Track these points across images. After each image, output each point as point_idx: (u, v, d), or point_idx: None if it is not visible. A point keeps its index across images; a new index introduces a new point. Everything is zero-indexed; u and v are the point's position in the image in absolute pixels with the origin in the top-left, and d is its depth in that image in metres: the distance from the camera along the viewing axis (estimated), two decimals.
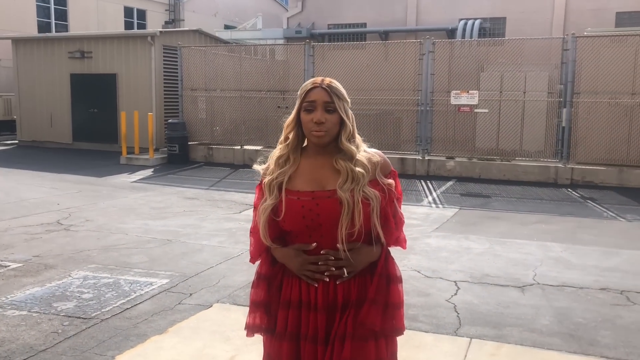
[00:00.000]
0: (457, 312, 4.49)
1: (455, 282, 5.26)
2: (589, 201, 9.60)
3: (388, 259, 1.96)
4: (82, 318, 4.29)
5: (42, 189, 10.28)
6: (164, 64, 15.56)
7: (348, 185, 1.84)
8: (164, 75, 15.57)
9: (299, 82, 13.48)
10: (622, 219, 8.24)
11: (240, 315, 4.19)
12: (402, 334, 1.95)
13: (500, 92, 12.13)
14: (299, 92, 1.98)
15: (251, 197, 10.29)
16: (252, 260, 2.03)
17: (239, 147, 14.12)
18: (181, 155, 14.11)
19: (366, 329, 1.84)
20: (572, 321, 4.32)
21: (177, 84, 14.76)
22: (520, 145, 12.12)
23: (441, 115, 12.43)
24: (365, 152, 1.96)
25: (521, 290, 5.03)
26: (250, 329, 1.97)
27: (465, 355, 3.69)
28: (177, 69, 14.73)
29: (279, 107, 13.84)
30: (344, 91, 1.96)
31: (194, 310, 4.45)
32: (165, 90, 15.65)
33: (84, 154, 15.74)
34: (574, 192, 10.38)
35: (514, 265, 5.81)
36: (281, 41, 21.07)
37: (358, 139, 1.96)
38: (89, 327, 4.11)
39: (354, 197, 1.83)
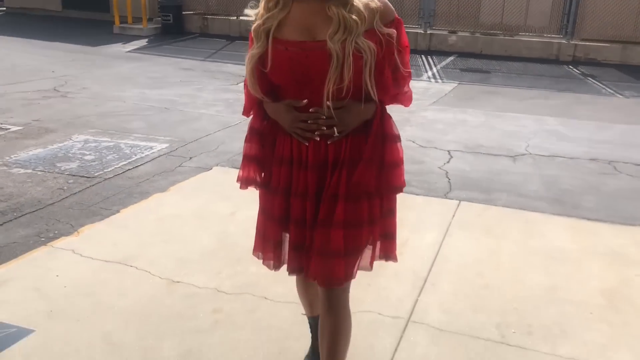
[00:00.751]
0: (448, 178, 4.64)
1: (448, 151, 5.38)
2: (589, 78, 9.52)
3: (384, 118, 1.79)
4: (86, 177, 4.42)
5: (35, 57, 10.10)
6: None
7: (339, 36, 1.61)
8: None
9: None
10: (619, 96, 8.24)
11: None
12: (401, 191, 1.85)
13: None
14: None
15: None
16: (245, 113, 1.91)
17: (235, 17, 13.67)
18: (175, 25, 13.68)
19: (360, 189, 1.74)
20: (559, 187, 4.49)
21: None
22: (525, 20, 11.77)
23: None
24: None
25: (513, 160, 5.16)
26: (244, 182, 1.91)
27: (454, 215, 3.87)
28: None
29: None
30: None
31: (194, 172, 4.59)
32: None
33: (75, 23, 15.25)
34: (575, 69, 10.27)
35: (508, 137, 5.91)
36: None
37: None
38: (93, 185, 4.26)
39: (345, 49, 1.61)
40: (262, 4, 1.74)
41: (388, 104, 1.82)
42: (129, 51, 11.35)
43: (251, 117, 1.90)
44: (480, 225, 3.73)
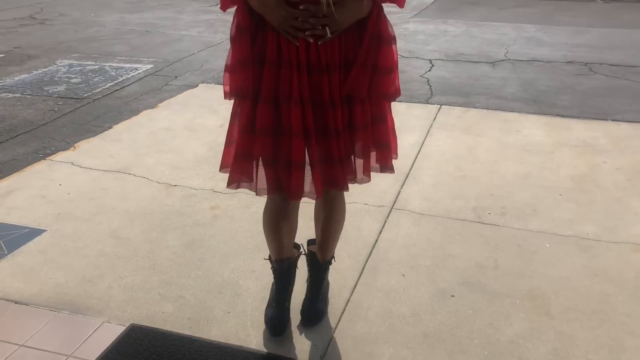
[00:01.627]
0: (429, 85, 4.77)
1: (430, 60, 5.47)
2: None
3: (380, 16, 1.63)
4: (75, 98, 4.50)
5: None
6: None
7: None
8: None
9: None
10: (599, 1, 8.26)
11: None
12: (395, 99, 1.74)
13: None
14: None
15: None
16: (223, 7, 1.68)
17: None
18: None
19: (353, 95, 1.63)
20: (536, 89, 4.64)
21: None
22: None
23: None
24: None
25: (492, 66, 5.29)
26: (235, 93, 1.67)
27: (435, 118, 4.03)
28: None
29: None
30: None
31: (180, 90, 4.67)
32: None
33: None
34: None
35: (487, 44, 6.00)
36: None
37: None
38: (82, 106, 4.35)
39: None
40: None
41: (384, 2, 1.65)
42: None
43: (235, 14, 1.67)
44: (460, 125, 3.91)
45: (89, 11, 7.93)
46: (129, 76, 5.06)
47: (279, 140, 1.64)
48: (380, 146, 1.76)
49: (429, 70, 5.16)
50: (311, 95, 1.60)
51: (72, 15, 7.61)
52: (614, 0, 8.27)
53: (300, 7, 1.52)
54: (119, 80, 4.95)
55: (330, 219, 1.96)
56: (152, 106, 4.30)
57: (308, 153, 1.65)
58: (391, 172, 1.82)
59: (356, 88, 1.63)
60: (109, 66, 5.36)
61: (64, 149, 3.53)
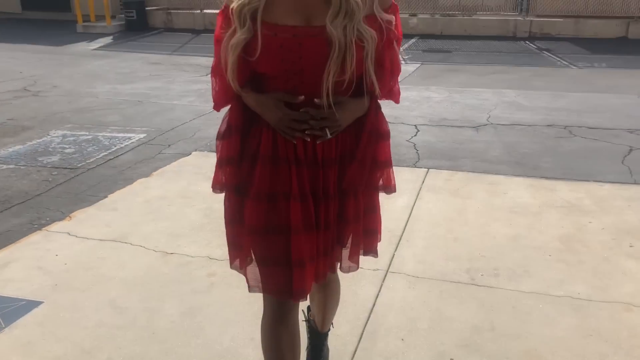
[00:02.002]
0: (416, 149, 4.92)
1: (415, 125, 5.65)
2: (544, 52, 9.93)
3: (378, 114, 1.63)
4: (69, 168, 4.57)
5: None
6: None
7: (340, 20, 1.42)
8: None
9: None
10: (574, 67, 8.65)
11: None
12: (390, 193, 1.75)
13: None
14: None
15: None
16: (217, 107, 1.65)
17: (198, 11, 13.74)
18: (139, 21, 13.70)
19: (350, 189, 1.62)
20: (519, 152, 4.80)
21: None
22: (481, 0, 12.15)
23: None
24: None
25: (475, 130, 5.47)
26: (222, 187, 1.66)
27: (423, 181, 4.14)
28: None
29: None
30: None
31: (174, 158, 4.76)
32: None
33: (36, 24, 15.10)
34: (531, 44, 10.67)
35: (470, 109, 6.22)
36: None
37: None
38: (77, 175, 4.40)
39: (347, 36, 1.42)
40: None
41: (382, 99, 1.65)
42: (94, 49, 11.36)
43: (227, 112, 1.64)
44: (448, 188, 4.01)
45: (82, 82, 8.12)
46: (122, 145, 5.16)
47: (275, 238, 1.57)
48: (369, 234, 1.75)
49: (415, 135, 5.32)
50: (310, 190, 1.57)
51: (65, 87, 7.78)
52: (587, 67, 8.66)
53: (301, 110, 1.50)
54: (113, 149, 5.04)
55: (326, 299, 1.98)
56: (147, 175, 4.37)
57: (303, 248, 1.58)
58: (374, 257, 1.81)
59: (353, 183, 1.61)
60: (103, 136, 5.47)
61: (60, 219, 3.56)
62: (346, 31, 1.42)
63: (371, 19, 1.46)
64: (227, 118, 1.62)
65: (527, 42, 10.90)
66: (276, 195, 1.55)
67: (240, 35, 1.45)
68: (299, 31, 1.45)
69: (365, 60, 1.46)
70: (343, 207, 1.63)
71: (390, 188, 1.74)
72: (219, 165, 1.64)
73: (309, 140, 1.53)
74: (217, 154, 1.65)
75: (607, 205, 3.69)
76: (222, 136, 1.63)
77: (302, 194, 1.55)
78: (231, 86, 1.52)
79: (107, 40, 12.57)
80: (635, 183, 4.07)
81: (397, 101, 1.70)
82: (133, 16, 13.62)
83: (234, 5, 1.47)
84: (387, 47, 1.51)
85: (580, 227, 3.38)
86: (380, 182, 1.72)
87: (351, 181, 1.61)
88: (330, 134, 1.53)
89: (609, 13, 11.12)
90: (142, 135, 5.45)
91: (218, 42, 1.55)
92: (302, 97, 1.49)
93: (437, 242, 3.20)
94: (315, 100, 1.48)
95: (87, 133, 5.57)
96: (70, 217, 3.58)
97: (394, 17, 1.52)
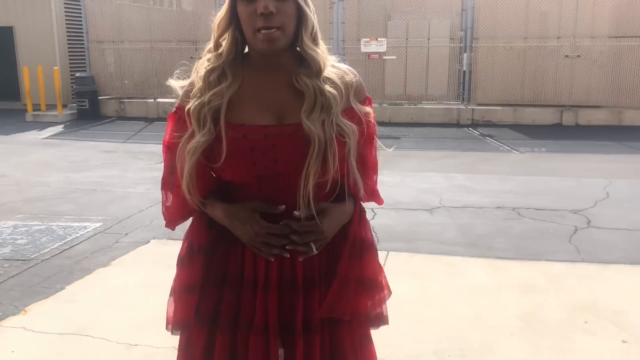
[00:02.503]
0: (375, 232, 5.03)
1: (372, 209, 5.80)
2: (487, 138, 10.50)
3: (362, 220, 1.46)
4: (22, 260, 4.43)
5: None
6: (66, 15, 14.88)
7: (317, 115, 1.28)
8: (67, 27, 14.91)
9: (211, 33, 13.45)
10: (515, 152, 9.16)
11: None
12: (379, 326, 1.53)
13: (407, 39, 12.73)
14: None
15: None
16: (171, 225, 1.47)
17: (152, 100, 13.94)
18: (91, 110, 13.74)
19: (336, 316, 1.38)
20: (473, 233, 4.99)
21: (82, 36, 14.22)
22: (426, 90, 12.86)
23: (352, 63, 12.85)
24: (333, 66, 1.38)
25: (430, 213, 5.66)
26: (180, 325, 1.44)
27: (384, 264, 4.21)
28: (80, 21, 14.17)
29: (191, 57, 13.72)
30: None
31: (132, 247, 4.70)
32: (69, 43, 15.02)
33: None
34: (474, 131, 11.28)
35: (423, 193, 6.45)
36: None
37: (322, 44, 1.37)
38: (30, 267, 4.27)
39: (326, 131, 1.27)
40: (197, 77, 1.36)
41: (366, 201, 1.49)
42: (45, 138, 11.26)
43: (187, 231, 1.45)
44: (408, 270, 4.10)
45: (33, 171, 7.99)
46: (77, 235, 5.06)
47: None
48: None
49: (372, 219, 5.45)
50: (280, 321, 1.33)
51: (14, 177, 7.64)
52: (528, 151, 9.20)
53: (280, 223, 1.31)
54: (68, 239, 4.93)
55: None
56: (105, 264, 4.28)
57: None
58: None
59: (338, 308, 1.36)
60: (57, 226, 5.35)
61: (14, 314, 3.43)
62: (325, 126, 1.27)
63: (349, 112, 1.34)
64: (188, 238, 1.42)
65: (470, 128, 11.52)
66: (239, 326, 1.34)
67: (199, 138, 1.28)
68: (271, 131, 1.29)
69: (348, 157, 1.31)
70: (333, 341, 1.38)
71: (381, 319, 1.49)
72: (178, 297, 1.40)
73: (288, 256, 1.31)
74: (173, 283, 1.43)
75: (559, 283, 3.85)
76: (182, 261, 1.42)
77: (267, 327, 1.31)
78: (188, 199, 1.33)
79: (58, 128, 12.50)
80: (583, 261, 4.28)
81: (380, 202, 1.55)
82: (85, 105, 13.67)
83: (190, 105, 1.31)
84: (368, 142, 1.39)
85: (537, 305, 3.50)
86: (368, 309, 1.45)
87: (333, 304, 1.35)
88: (316, 249, 1.33)
89: (543, 102, 11.95)
90: (98, 224, 5.37)
91: (169, 149, 1.36)
92: (282, 207, 1.30)
93: (402, 324, 3.24)
94: (295, 212, 1.29)
95: (39, 223, 5.45)
96: (25, 310, 3.45)
97: (371, 109, 1.41)
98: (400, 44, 12.65)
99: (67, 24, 14.85)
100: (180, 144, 1.33)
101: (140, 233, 5.10)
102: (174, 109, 1.40)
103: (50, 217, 5.64)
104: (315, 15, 1.34)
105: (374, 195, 1.54)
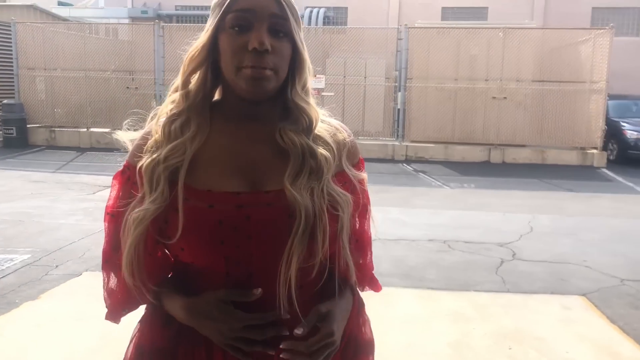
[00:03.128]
0: None
1: None
2: (420, 173, 10.88)
3: (361, 314, 1.23)
4: None
5: None
6: None
7: (305, 181, 1.02)
8: None
9: (148, 63, 13.44)
10: (447, 187, 9.54)
11: None
12: None
13: (344, 77, 13.11)
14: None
15: (105, 179, 10.16)
16: (114, 317, 1.16)
17: (85, 129, 13.62)
18: (19, 138, 13.26)
19: None
20: (406, 265, 5.15)
21: (10, 62, 13.79)
22: (362, 126, 13.21)
23: None
24: (322, 121, 1.14)
25: None
26: None
27: None
28: (9, 46, 13.75)
29: (127, 87, 13.62)
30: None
31: (63, 280, 4.56)
32: None
33: None
34: (408, 167, 11.67)
35: None
36: (126, 20, 20.40)
37: (312, 94, 1.15)
38: None
39: (315, 202, 1.01)
40: (155, 126, 1.08)
41: (362, 289, 1.28)
42: None
43: (136, 329, 1.16)
44: None
45: None
46: (3, 267, 4.85)
47: None
48: None
49: None
50: None
51: None
52: (459, 187, 9.59)
53: (262, 316, 1.01)
54: None
55: None
56: (34, 297, 4.13)
57: None
58: None
59: None
60: None
61: None
62: (314, 195, 1.00)
63: (341, 177, 1.09)
64: (136, 338, 1.13)
65: (404, 164, 11.90)
66: None
67: (149, 205, 1.00)
68: (245, 199, 1.01)
69: (340, 234, 1.04)
70: None
71: None
72: None
73: (273, 353, 1.02)
74: None
75: (485, 312, 4.04)
76: None
77: None
78: (131, 286, 1.05)
79: None
80: (508, 291, 4.50)
81: (378, 289, 1.33)
82: (12, 133, 13.19)
83: (142, 162, 1.03)
84: (363, 214, 1.18)
85: (465, 333, 3.65)
86: None
87: None
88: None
89: (472, 140, 12.53)
90: (26, 256, 5.17)
91: (113, 218, 1.08)
92: (259, 291, 1.01)
93: None
94: (296, 331, 1.01)
95: None
96: None
97: (365, 175, 1.17)
98: (338, 82, 13.00)
99: None
100: (127, 212, 1.03)
101: (72, 265, 4.95)
102: (122, 168, 1.10)
103: None
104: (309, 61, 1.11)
105: (372, 282, 1.29)
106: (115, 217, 1.08)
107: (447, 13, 20.15)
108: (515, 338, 3.58)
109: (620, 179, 10.67)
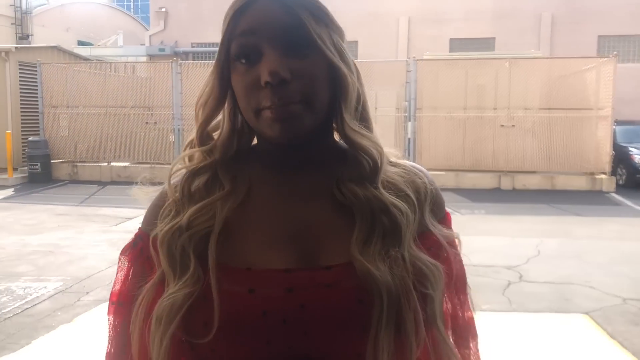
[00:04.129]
0: None
1: None
2: None
3: None
4: None
5: None
6: (20, 80, 15.03)
7: (379, 247, 0.76)
8: (21, 92, 15.03)
9: (166, 99, 13.97)
10: (457, 213, 9.77)
11: None
12: None
13: None
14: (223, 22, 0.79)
15: (126, 212, 10.55)
16: None
17: (105, 163, 14.09)
18: (44, 173, 13.75)
19: None
20: None
21: (35, 100, 14.39)
22: None
23: None
24: (391, 163, 0.88)
25: None
26: None
27: None
28: (35, 85, 14.38)
29: (146, 122, 14.13)
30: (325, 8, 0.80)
31: (94, 305, 4.87)
32: (22, 108, 15.11)
33: None
34: None
35: None
36: (144, 58, 21.13)
37: (373, 125, 0.86)
38: None
39: (395, 277, 0.74)
40: (171, 186, 0.82)
41: None
42: None
43: None
44: None
45: None
46: (38, 294, 5.18)
47: None
48: None
49: None
50: None
51: None
52: (469, 213, 9.84)
53: None
54: (28, 299, 5.06)
55: None
56: (69, 320, 4.44)
57: None
58: None
59: None
60: (16, 286, 5.46)
61: None
62: (394, 268, 0.74)
63: (426, 240, 0.82)
64: None
65: None
66: None
67: (177, 291, 0.74)
68: (297, 279, 0.75)
69: (434, 321, 0.77)
70: None
71: None
72: None
73: None
74: None
75: (491, 331, 4.26)
76: None
77: None
78: None
79: (9, 192, 12.45)
80: (514, 311, 4.73)
81: None
82: (37, 168, 13.69)
83: (159, 230, 0.79)
84: (461, 289, 0.91)
85: None
86: None
87: None
88: None
89: (483, 168, 12.78)
90: (58, 284, 5.50)
91: (121, 307, 0.83)
92: None
93: None
94: None
95: None
96: None
97: (455, 233, 0.91)
98: None
99: (21, 88, 14.99)
100: (140, 300, 0.77)
101: (102, 292, 5.27)
102: (132, 238, 0.85)
103: (8, 278, 5.73)
104: (358, 78, 0.83)
105: None
106: (123, 306, 0.82)
107: (455, 44, 20.61)
108: (520, 355, 3.81)
109: (628, 202, 10.85)
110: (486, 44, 20.16)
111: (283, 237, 0.79)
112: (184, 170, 0.83)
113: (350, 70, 0.81)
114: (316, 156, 0.84)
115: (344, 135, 0.82)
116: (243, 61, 0.77)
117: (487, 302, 4.95)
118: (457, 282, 0.89)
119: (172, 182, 0.83)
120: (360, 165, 0.82)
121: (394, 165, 0.88)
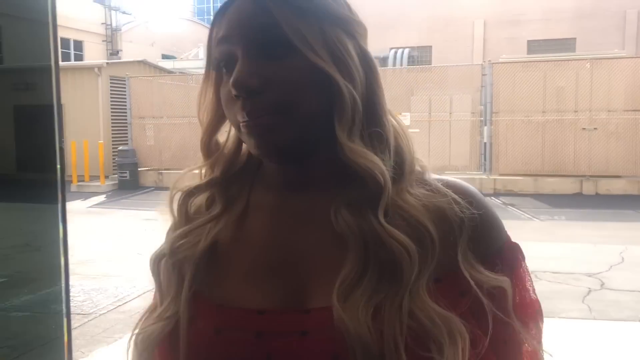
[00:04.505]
0: None
1: None
2: (509, 206, 10.90)
3: None
4: (82, 314, 4.94)
5: None
6: (111, 93, 16.06)
7: (368, 293, 0.61)
8: (111, 105, 16.07)
9: None
10: (536, 219, 9.54)
11: None
12: None
13: (430, 113, 13.44)
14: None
15: None
16: None
17: None
18: (132, 181, 14.59)
19: None
20: None
21: (124, 112, 15.31)
22: (449, 161, 13.40)
23: None
24: (423, 183, 0.71)
25: None
26: None
27: None
28: (124, 98, 15.31)
29: (225, 131, 14.66)
30: None
31: None
32: (112, 119, 16.13)
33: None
34: (497, 200, 11.69)
35: None
36: None
37: (404, 132, 0.75)
38: (90, 320, 4.78)
39: (385, 332, 0.59)
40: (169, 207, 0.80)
41: None
42: (90, 207, 12.03)
43: None
44: None
45: (81, 237, 8.63)
46: (129, 293, 5.57)
47: None
48: None
49: None
50: None
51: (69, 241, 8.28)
52: (549, 219, 9.56)
53: None
54: (121, 296, 5.45)
55: None
56: None
57: None
58: None
59: None
60: (110, 284, 5.89)
61: (81, 359, 3.90)
62: (383, 321, 0.60)
63: (451, 285, 0.65)
64: None
65: (493, 197, 11.94)
66: None
67: (154, 322, 0.72)
68: (270, 323, 0.65)
69: None
70: None
71: None
72: None
73: None
74: None
75: (569, 339, 4.18)
76: None
77: None
78: None
79: (101, 198, 13.31)
80: (594, 319, 4.61)
81: None
82: (126, 176, 14.55)
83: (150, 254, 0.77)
84: (507, 356, 0.70)
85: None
86: None
87: None
88: None
89: (563, 172, 12.36)
90: (146, 284, 5.88)
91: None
92: None
93: None
94: None
95: (94, 282, 5.99)
96: (90, 356, 3.93)
97: (507, 278, 0.69)
98: (424, 118, 13.34)
99: (111, 101, 16.01)
100: (135, 326, 0.76)
101: None
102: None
103: (102, 278, 6.19)
104: (373, 78, 0.69)
105: None
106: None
107: (534, 46, 20.04)
108: None
109: None
110: (566, 44, 19.47)
111: (265, 270, 0.67)
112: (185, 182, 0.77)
113: (348, 72, 0.66)
114: (322, 174, 0.70)
115: (343, 150, 0.66)
116: (224, 70, 0.69)
117: (565, 309, 4.85)
118: (510, 351, 0.69)
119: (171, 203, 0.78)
120: (362, 187, 0.65)
121: (423, 184, 0.70)
